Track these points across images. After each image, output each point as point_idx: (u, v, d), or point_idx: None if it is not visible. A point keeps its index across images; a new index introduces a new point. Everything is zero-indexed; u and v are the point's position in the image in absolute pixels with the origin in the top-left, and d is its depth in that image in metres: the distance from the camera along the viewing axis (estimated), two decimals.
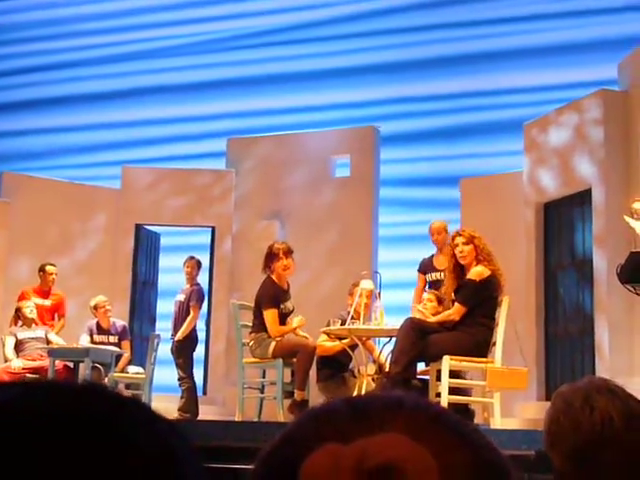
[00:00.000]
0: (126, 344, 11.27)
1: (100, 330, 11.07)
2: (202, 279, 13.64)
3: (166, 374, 11.24)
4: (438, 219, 9.61)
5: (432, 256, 9.22)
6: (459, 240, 7.73)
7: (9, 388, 0.73)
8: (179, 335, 10.60)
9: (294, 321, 8.57)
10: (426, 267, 9.17)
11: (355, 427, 0.70)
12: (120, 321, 11.41)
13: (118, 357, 10.86)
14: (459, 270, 7.72)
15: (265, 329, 8.43)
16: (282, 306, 8.54)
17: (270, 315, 8.42)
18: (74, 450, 0.66)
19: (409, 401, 0.74)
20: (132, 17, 17.09)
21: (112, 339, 11.06)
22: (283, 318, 8.59)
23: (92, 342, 10.90)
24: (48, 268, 11.51)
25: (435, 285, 8.83)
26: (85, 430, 0.68)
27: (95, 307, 11.10)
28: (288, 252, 8.69)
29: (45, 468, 0.65)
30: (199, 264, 11.21)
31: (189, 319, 10.64)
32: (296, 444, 0.71)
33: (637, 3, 13.71)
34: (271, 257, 8.66)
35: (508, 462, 0.74)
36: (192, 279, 11.06)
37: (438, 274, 8.92)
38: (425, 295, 8.59)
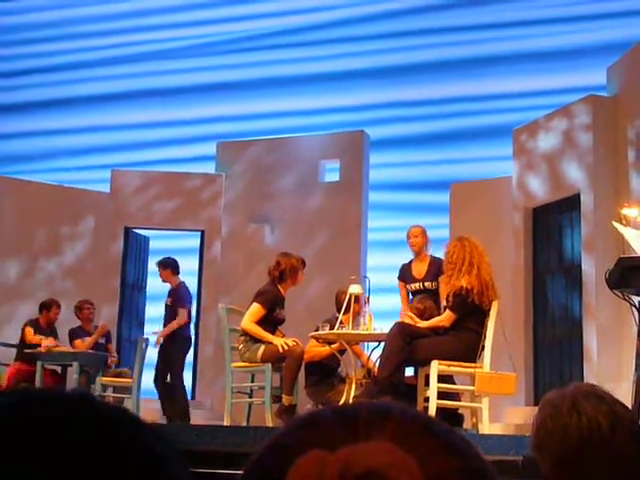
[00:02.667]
0: (111, 347, 11.30)
1: (84, 333, 11.04)
2: (191, 283, 13.64)
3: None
4: (416, 224, 9.04)
5: (410, 262, 8.90)
6: (447, 248, 7.82)
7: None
8: (158, 336, 10.39)
9: (278, 339, 8.42)
10: (405, 275, 8.85)
11: (341, 435, 0.71)
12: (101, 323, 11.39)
13: (106, 361, 10.84)
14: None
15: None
16: (277, 311, 8.51)
17: (255, 309, 8.38)
18: (60, 458, 0.66)
19: (396, 409, 0.74)
20: (123, 20, 17.08)
21: (99, 340, 11.04)
22: (275, 324, 8.56)
23: (75, 347, 10.87)
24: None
25: (417, 295, 8.70)
26: (70, 438, 0.68)
27: (79, 308, 11.08)
28: (304, 264, 8.77)
29: (28, 475, 0.65)
30: (163, 265, 10.85)
31: (176, 320, 10.42)
32: (282, 451, 0.71)
33: (626, 9, 13.76)
34: (296, 269, 8.64)
35: (494, 470, 0.74)
36: (169, 281, 10.82)
37: (418, 284, 8.74)
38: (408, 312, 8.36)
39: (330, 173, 13.61)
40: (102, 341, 11.03)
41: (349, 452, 0.67)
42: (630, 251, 6.67)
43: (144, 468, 0.69)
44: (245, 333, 8.44)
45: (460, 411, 8.25)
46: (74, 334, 10.98)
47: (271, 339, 8.32)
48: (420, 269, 8.74)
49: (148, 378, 11.06)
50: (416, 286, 8.72)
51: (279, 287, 8.60)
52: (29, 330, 10.82)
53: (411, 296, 8.84)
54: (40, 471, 0.65)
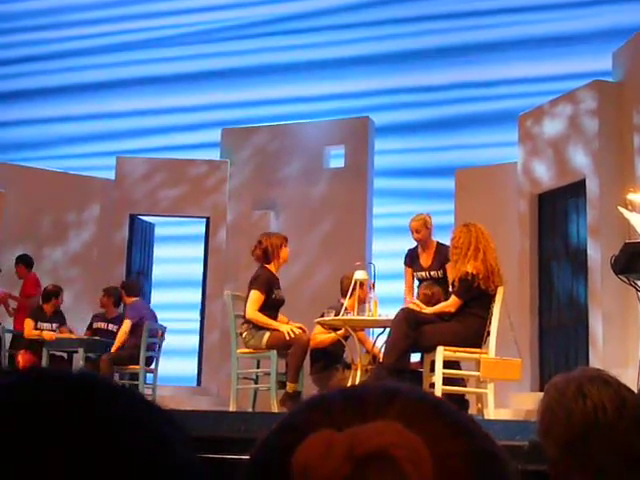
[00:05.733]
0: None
1: (101, 317, 11.17)
2: (196, 269, 13.68)
3: (167, 365, 11.23)
4: (418, 215, 8.81)
5: (417, 249, 8.82)
6: (454, 234, 7.78)
7: (4, 377, 0.73)
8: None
9: (283, 325, 8.39)
10: (412, 261, 8.79)
11: (349, 415, 0.71)
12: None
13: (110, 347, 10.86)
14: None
15: None
16: (275, 292, 8.47)
17: (254, 296, 8.32)
18: (64, 438, 0.66)
19: (404, 390, 0.74)
20: (126, 7, 17.05)
21: (111, 327, 11.07)
22: (275, 306, 8.52)
23: (92, 328, 11.01)
24: None
25: (420, 282, 8.68)
26: (75, 418, 0.68)
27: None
28: (287, 240, 8.72)
29: (34, 455, 0.65)
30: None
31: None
32: (291, 431, 0.72)
33: None
34: (278, 247, 8.59)
35: (504, 452, 0.74)
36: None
37: (424, 273, 8.70)
38: (414, 299, 8.33)
39: (335, 159, 13.60)
40: (113, 329, 11.04)
41: (356, 431, 0.67)
42: (636, 236, 6.67)
43: (151, 449, 0.70)
44: (248, 321, 8.42)
45: (466, 397, 8.25)
46: (95, 318, 11.20)
47: (277, 326, 8.29)
48: (426, 257, 8.70)
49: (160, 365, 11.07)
50: (422, 274, 8.70)
51: (269, 268, 8.56)
52: (28, 323, 10.85)
53: (417, 282, 8.81)
54: (42, 450, 0.66)
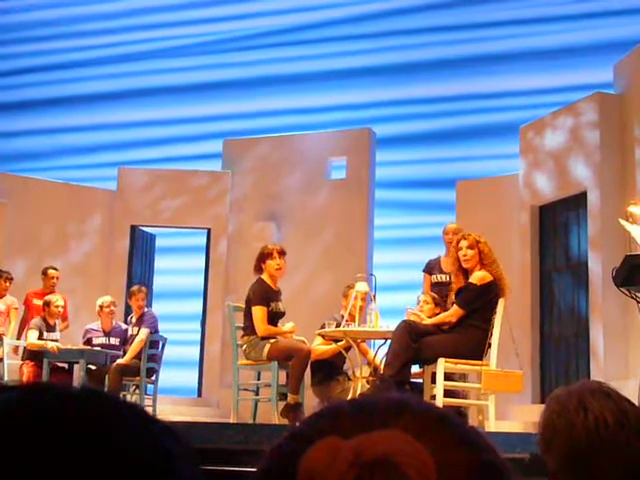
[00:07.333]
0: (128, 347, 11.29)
1: (99, 332, 11.07)
2: (197, 281, 13.67)
3: (167, 376, 11.22)
4: (451, 222, 9.49)
5: (439, 257, 9.11)
6: (463, 244, 7.68)
7: (8, 391, 0.73)
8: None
9: (286, 326, 8.50)
10: (432, 268, 9.05)
11: (356, 424, 0.72)
12: (124, 325, 11.36)
13: (113, 359, 10.82)
14: (463, 272, 7.69)
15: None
16: (272, 305, 8.47)
17: (258, 312, 8.34)
18: (67, 453, 0.66)
19: (412, 402, 0.75)
20: (128, 19, 17.09)
21: (113, 341, 11.01)
22: (274, 318, 8.51)
23: (91, 344, 10.89)
24: (50, 272, 11.54)
25: (439, 286, 8.77)
26: (79, 433, 0.68)
27: (100, 307, 11.09)
28: (282, 252, 8.68)
29: (38, 470, 0.65)
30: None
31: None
32: (298, 440, 0.72)
33: (633, 6, 13.74)
34: (264, 256, 8.62)
35: (508, 464, 0.75)
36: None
37: (444, 276, 8.82)
38: (421, 297, 8.50)
39: (337, 171, 13.61)
40: (116, 342, 11.01)
41: (362, 439, 0.68)
42: (637, 249, 6.67)
43: (152, 462, 0.70)
44: (248, 333, 8.43)
45: (463, 408, 8.24)
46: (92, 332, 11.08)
47: (282, 331, 8.40)
48: (449, 263, 8.76)
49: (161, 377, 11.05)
50: (442, 277, 8.80)
51: (265, 280, 8.56)
52: (31, 334, 10.80)
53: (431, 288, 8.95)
54: (45, 466, 0.66)
